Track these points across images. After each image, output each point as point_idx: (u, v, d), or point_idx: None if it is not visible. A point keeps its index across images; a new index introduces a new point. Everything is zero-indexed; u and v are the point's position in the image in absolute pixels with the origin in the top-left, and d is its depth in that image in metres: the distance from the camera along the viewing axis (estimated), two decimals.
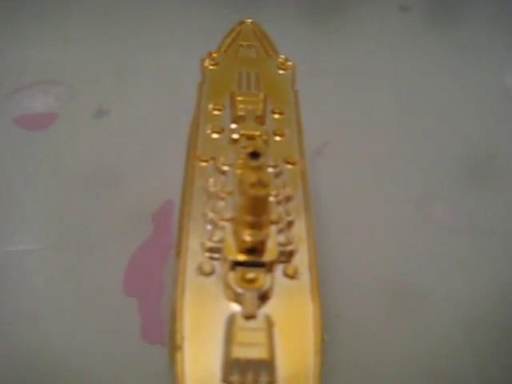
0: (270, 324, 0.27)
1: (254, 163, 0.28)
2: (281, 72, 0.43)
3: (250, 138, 0.36)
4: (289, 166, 0.35)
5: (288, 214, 0.32)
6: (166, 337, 0.43)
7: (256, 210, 0.28)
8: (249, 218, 0.28)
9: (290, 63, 0.43)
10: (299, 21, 0.68)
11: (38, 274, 0.47)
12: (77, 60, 0.62)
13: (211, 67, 0.42)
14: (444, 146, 0.57)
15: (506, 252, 0.50)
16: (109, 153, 0.54)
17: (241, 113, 0.38)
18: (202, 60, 0.43)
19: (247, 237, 0.29)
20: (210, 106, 0.39)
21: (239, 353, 0.26)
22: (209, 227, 0.31)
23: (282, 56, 0.44)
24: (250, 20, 0.47)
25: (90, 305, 0.45)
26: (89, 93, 0.59)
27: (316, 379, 0.26)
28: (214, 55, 0.43)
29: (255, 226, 0.29)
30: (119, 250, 0.47)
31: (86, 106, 0.58)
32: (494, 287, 0.47)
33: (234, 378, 0.26)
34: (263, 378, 0.26)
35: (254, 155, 0.28)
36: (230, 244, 0.29)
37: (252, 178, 0.27)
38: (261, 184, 0.27)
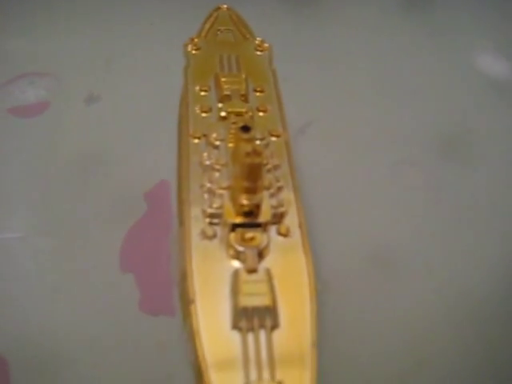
0: (269, 276, 0.31)
1: (246, 136, 0.31)
2: (258, 53, 0.46)
3: (238, 114, 0.39)
4: (274, 139, 0.38)
5: (277, 181, 0.35)
6: (163, 308, 0.46)
7: (251, 177, 0.31)
8: (245, 184, 0.32)
9: (266, 45, 0.46)
10: (280, 6, 0.70)
11: (31, 259, 0.49)
12: (66, 50, 0.63)
13: (194, 52, 0.45)
14: (420, 122, 0.59)
15: (478, 222, 0.53)
16: (100, 137, 0.56)
17: (226, 92, 0.41)
18: (185, 45, 0.46)
19: (244, 201, 0.32)
20: (197, 88, 0.42)
21: (246, 302, 0.29)
22: (207, 196, 0.34)
23: (259, 38, 0.47)
24: (225, 6, 0.50)
25: (87, 284, 0.47)
26: (79, 81, 0.60)
27: (313, 321, 0.30)
28: (196, 40, 0.46)
29: (251, 191, 0.32)
30: (114, 230, 0.49)
31: (77, 93, 0.59)
32: (467, 256, 0.50)
33: (243, 324, 0.29)
34: (268, 323, 0.29)
35: (245, 129, 0.32)
36: (229, 209, 0.33)
37: (247, 148, 0.30)
38: (255, 153, 0.31)
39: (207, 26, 0.48)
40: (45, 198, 0.52)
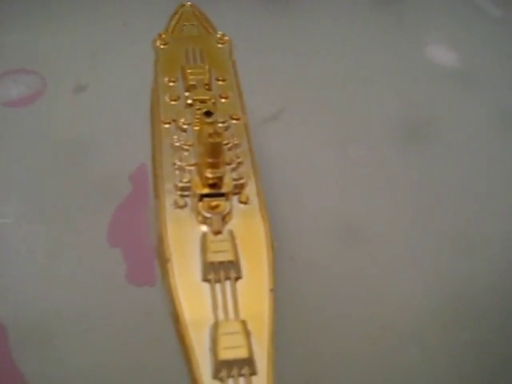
0: (232, 236, 0.36)
1: (208, 120, 0.36)
2: (220, 46, 0.49)
3: (202, 101, 0.44)
4: (234, 121, 0.43)
5: (237, 157, 0.40)
6: (148, 279, 0.50)
7: (214, 154, 0.36)
8: (209, 161, 0.36)
9: (226, 38, 0.50)
10: (258, 2, 0.73)
11: (23, 239, 0.52)
12: (53, 44, 0.67)
13: (162, 46, 0.49)
14: (387, 110, 0.63)
15: (436, 198, 0.57)
16: (87, 124, 0.59)
17: (192, 82, 0.45)
18: (154, 41, 0.50)
19: (209, 174, 0.37)
20: (166, 79, 0.46)
21: (213, 258, 0.34)
22: (178, 172, 0.39)
23: (220, 32, 0.51)
24: (189, 3, 0.53)
25: (77, 258, 0.51)
26: (67, 72, 0.64)
27: (270, 272, 0.35)
28: (163, 36, 0.50)
29: (214, 166, 0.37)
30: (102, 210, 0.53)
31: (66, 83, 0.63)
32: (425, 227, 0.55)
33: (211, 276, 0.34)
34: (232, 275, 0.34)
35: (208, 114, 0.37)
36: (197, 182, 0.38)
37: (209, 130, 0.35)
38: (216, 134, 0.36)
39: (173, 22, 0.52)
40: (34, 183, 0.55)
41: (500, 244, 0.54)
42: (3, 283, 0.49)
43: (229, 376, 0.31)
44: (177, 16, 0.52)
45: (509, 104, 0.65)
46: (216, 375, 0.31)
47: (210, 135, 0.35)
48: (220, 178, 0.37)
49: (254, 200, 0.38)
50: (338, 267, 0.51)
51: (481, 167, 0.59)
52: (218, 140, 0.35)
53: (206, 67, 0.46)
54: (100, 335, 0.47)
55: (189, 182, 0.38)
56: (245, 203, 0.38)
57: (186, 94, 0.44)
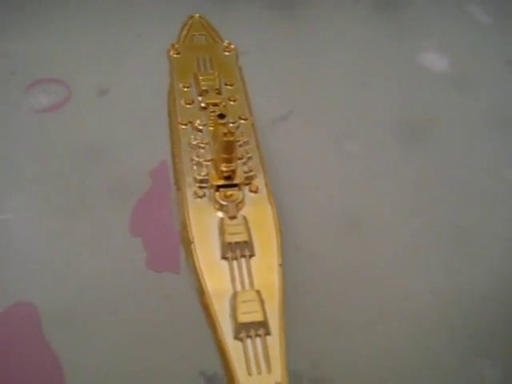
0: (246, 221, 0.41)
1: (222, 121, 0.42)
2: (226, 53, 0.54)
3: (214, 105, 0.49)
4: (243, 121, 0.48)
5: (247, 153, 0.45)
6: (166, 265, 0.54)
7: (228, 150, 0.42)
8: (223, 156, 0.42)
9: (232, 46, 0.55)
10: (267, 12, 0.78)
11: (51, 233, 0.57)
12: (75, 52, 0.71)
13: (175, 56, 0.54)
14: (387, 111, 0.67)
15: (433, 191, 0.61)
16: (108, 125, 0.64)
17: (204, 88, 0.50)
18: (168, 51, 0.54)
19: (224, 168, 0.42)
20: (181, 85, 0.51)
21: (230, 239, 0.40)
22: (195, 167, 0.44)
23: (226, 41, 0.55)
24: (197, 14, 0.58)
25: (101, 247, 0.56)
26: (91, 77, 0.68)
27: (279, 250, 0.40)
28: (176, 46, 0.55)
29: (228, 161, 0.42)
30: (124, 202, 0.58)
31: (89, 88, 0.67)
32: (423, 216, 0.59)
33: (229, 254, 0.40)
34: (247, 253, 0.40)
35: (221, 116, 0.43)
36: (214, 175, 0.43)
37: (224, 130, 0.41)
38: (229, 133, 0.41)
39: (184, 32, 0.56)
40: (63, 179, 0.60)
41: (495, 234, 0.58)
42: (35, 269, 0.54)
43: (247, 336, 0.36)
44: (187, 27, 0.57)
45: (498, 105, 0.69)
46: (236, 336, 0.36)
47: (225, 134, 0.41)
48: (233, 171, 0.43)
49: (263, 189, 0.43)
50: (340, 256, 0.55)
51: (473, 163, 0.63)
52: (231, 138, 0.41)
53: (216, 73, 0.51)
54: (122, 315, 0.52)
55: (206, 175, 0.43)
56: (255, 192, 0.43)
57: (199, 98, 0.49)
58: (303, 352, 0.49)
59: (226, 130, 0.41)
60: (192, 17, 0.58)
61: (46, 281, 0.54)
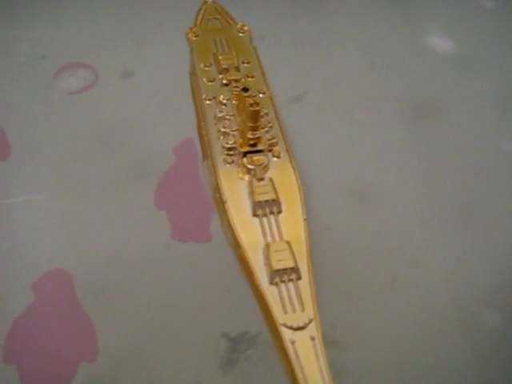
0: (272, 181, 0.45)
1: (246, 94, 0.47)
2: (241, 35, 0.58)
3: (236, 81, 0.53)
4: (261, 95, 0.52)
5: (268, 122, 0.49)
6: (190, 236, 0.58)
7: (254, 119, 0.46)
8: (250, 125, 0.46)
9: (246, 28, 0.59)
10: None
11: (84, 207, 0.60)
12: (100, 37, 0.75)
13: (194, 38, 0.58)
14: (396, 91, 0.71)
15: (439, 165, 0.64)
16: (133, 106, 0.67)
17: (224, 66, 0.54)
18: (187, 34, 0.58)
19: (250, 136, 0.46)
20: (202, 65, 0.55)
21: (259, 198, 0.44)
22: (222, 137, 0.49)
23: (240, 23, 0.59)
24: (210, 0, 0.62)
25: (128, 222, 0.59)
26: (115, 61, 0.72)
27: (303, 206, 0.44)
28: (194, 29, 0.58)
29: (254, 129, 0.46)
30: (149, 178, 0.61)
31: (115, 71, 0.71)
32: (429, 188, 0.62)
33: (259, 212, 0.44)
34: (275, 210, 0.44)
35: (245, 89, 0.48)
36: (241, 143, 0.47)
37: (250, 101, 0.45)
38: (256, 103, 0.45)
39: (200, 16, 0.60)
40: (91, 157, 0.64)
41: (496, 208, 0.61)
42: (70, 240, 0.58)
43: (281, 281, 0.40)
44: (202, 12, 0.61)
45: (501, 85, 0.72)
46: (271, 282, 0.40)
47: (251, 105, 0.45)
48: (258, 139, 0.47)
49: (285, 155, 0.47)
50: (350, 224, 0.59)
51: (476, 139, 0.66)
52: (257, 108, 0.45)
53: (234, 53, 0.55)
54: (149, 282, 0.55)
55: (234, 143, 0.47)
56: (277, 157, 0.47)
57: (220, 76, 0.53)
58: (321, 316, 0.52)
59: (252, 101, 0.45)
60: (206, 2, 0.61)
61: (78, 251, 0.57)
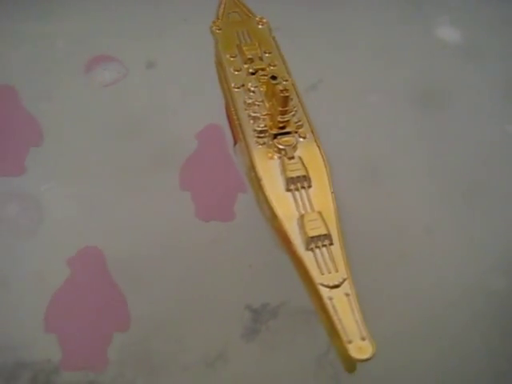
0: (301, 160, 0.49)
1: (275, 82, 0.50)
2: (260, 27, 0.61)
3: (262, 69, 0.56)
4: (285, 82, 0.54)
5: (294, 107, 0.52)
6: (213, 215, 0.62)
7: (284, 103, 0.49)
8: (280, 109, 0.50)
9: (264, 20, 0.62)
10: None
11: (113, 190, 0.63)
12: (125, 29, 0.78)
13: (217, 31, 0.61)
14: (406, 78, 0.74)
15: (446, 146, 0.68)
16: (158, 94, 0.71)
17: (249, 56, 0.57)
18: (211, 27, 0.61)
19: (280, 119, 0.50)
20: (228, 56, 0.58)
21: (291, 174, 0.48)
22: (252, 121, 0.52)
23: (259, 16, 0.62)
24: None
25: (155, 203, 0.62)
26: (139, 52, 0.75)
27: (329, 181, 0.48)
28: (217, 23, 0.61)
29: (284, 113, 0.50)
30: (173, 161, 0.65)
31: (139, 61, 0.74)
32: (436, 164, 0.66)
33: (292, 187, 0.48)
34: (305, 184, 0.48)
35: (273, 77, 0.51)
36: (271, 125, 0.51)
37: (280, 87, 0.49)
38: (285, 90, 0.49)
39: (221, 10, 0.63)
40: (120, 143, 0.67)
41: (501, 185, 0.65)
42: (102, 220, 0.62)
43: (316, 247, 0.44)
44: (222, 6, 0.64)
45: (505, 72, 0.76)
46: (307, 247, 0.44)
47: (281, 91, 0.49)
48: (287, 121, 0.51)
49: (310, 136, 0.51)
50: (362, 199, 0.63)
51: (483, 124, 0.70)
52: (287, 94, 0.49)
53: (256, 44, 0.58)
54: (177, 258, 0.59)
55: (264, 126, 0.51)
56: (304, 138, 0.51)
57: (245, 65, 0.56)
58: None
59: (282, 88, 0.49)
60: None
61: (109, 230, 0.61)
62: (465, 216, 0.62)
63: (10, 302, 0.57)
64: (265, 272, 0.58)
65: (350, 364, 0.41)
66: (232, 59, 0.57)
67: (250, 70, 0.56)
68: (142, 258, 0.59)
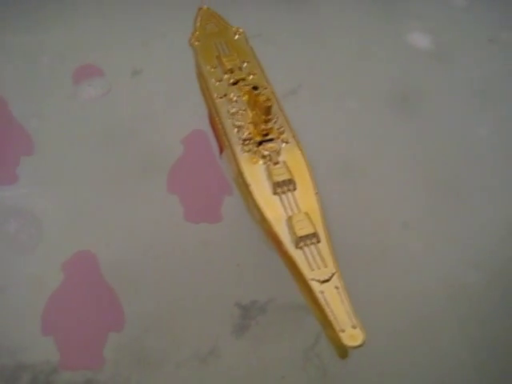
0: (285, 164, 0.52)
1: (256, 92, 0.53)
2: (237, 37, 0.63)
3: (242, 80, 0.58)
4: (265, 90, 0.57)
5: (275, 114, 0.55)
6: (203, 217, 0.64)
7: (267, 112, 0.53)
8: (264, 118, 0.53)
9: (241, 30, 0.64)
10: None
11: (103, 196, 0.65)
12: (110, 37, 0.80)
13: (196, 43, 0.63)
14: (381, 83, 0.77)
15: (420, 147, 0.71)
16: (143, 102, 0.73)
17: (229, 67, 0.59)
18: (189, 40, 0.63)
19: (263, 127, 0.53)
20: (208, 67, 0.60)
21: (277, 179, 0.50)
22: (237, 130, 0.55)
23: (235, 26, 0.64)
24: (205, 6, 0.66)
25: (144, 206, 0.64)
26: (124, 59, 0.77)
27: (313, 182, 0.51)
28: (195, 35, 0.63)
29: (267, 121, 0.53)
30: (160, 166, 0.67)
31: (124, 69, 0.76)
32: (407, 164, 0.69)
33: (278, 190, 0.51)
34: (291, 188, 0.51)
35: (255, 88, 0.54)
36: (255, 134, 0.54)
37: (263, 97, 0.52)
38: (268, 100, 0.52)
39: (198, 23, 0.65)
40: (108, 150, 0.69)
41: (472, 183, 0.68)
42: (93, 225, 0.64)
43: (305, 245, 0.47)
44: (199, 18, 0.65)
45: (474, 76, 0.79)
46: (297, 246, 0.47)
47: (265, 101, 0.52)
48: (270, 129, 0.53)
49: (292, 140, 0.54)
50: (343, 198, 0.66)
51: (456, 126, 0.73)
52: (269, 104, 0.52)
53: (235, 54, 0.60)
54: (167, 259, 0.61)
55: (249, 134, 0.54)
56: (286, 143, 0.54)
57: (226, 75, 0.59)
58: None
59: (265, 98, 0.52)
60: (200, 8, 0.66)
61: (101, 234, 0.63)
62: (439, 212, 0.65)
63: (7, 308, 0.58)
64: (252, 270, 0.61)
65: (343, 351, 0.45)
66: (213, 70, 0.59)
67: (231, 80, 0.58)
68: (134, 260, 0.61)
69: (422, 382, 0.57)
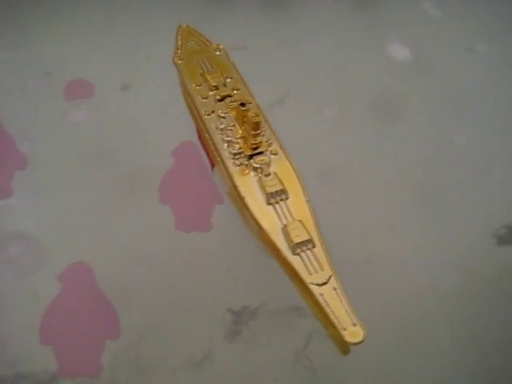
0: (276, 175, 0.54)
1: (244, 108, 0.54)
2: (218, 53, 0.64)
3: (228, 96, 0.59)
4: (250, 104, 0.58)
5: (262, 127, 0.56)
6: (193, 226, 0.66)
7: (256, 128, 0.54)
8: (253, 132, 0.54)
9: (221, 46, 0.65)
10: (261, 11, 0.87)
11: (97, 205, 0.67)
12: (100, 54, 0.81)
13: (180, 62, 0.64)
14: (363, 92, 0.79)
15: (399, 152, 0.73)
16: (133, 115, 0.74)
17: (214, 84, 0.60)
18: (173, 59, 0.64)
19: (253, 141, 0.55)
20: (193, 85, 0.61)
21: (270, 190, 0.52)
22: (227, 145, 0.56)
23: (215, 43, 0.65)
24: (184, 24, 0.68)
25: (137, 217, 0.66)
26: (114, 74, 0.78)
27: (304, 191, 0.53)
28: (178, 53, 0.64)
29: (256, 136, 0.55)
30: (152, 177, 0.68)
31: (114, 83, 0.77)
32: (391, 168, 0.71)
33: (272, 201, 0.52)
34: (283, 197, 0.52)
35: (243, 104, 0.55)
36: (245, 148, 0.55)
37: (252, 114, 0.54)
38: (257, 116, 0.54)
39: (179, 41, 0.66)
40: (101, 160, 0.70)
41: (449, 188, 0.71)
42: (87, 237, 0.65)
43: (301, 251, 0.49)
44: (179, 36, 0.66)
45: (451, 86, 0.82)
46: (294, 252, 0.49)
47: (253, 117, 0.53)
48: (260, 142, 0.55)
49: (280, 152, 0.56)
50: (330, 204, 0.67)
51: (433, 134, 0.76)
52: (258, 119, 0.54)
53: (219, 71, 0.62)
54: (161, 268, 0.63)
55: (239, 149, 0.55)
56: (275, 154, 0.55)
57: (211, 93, 0.60)
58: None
59: (254, 114, 0.53)
60: (180, 26, 0.67)
61: (95, 246, 0.64)
62: (421, 216, 0.68)
63: (6, 320, 0.60)
64: (243, 276, 0.63)
65: (345, 347, 0.48)
66: (198, 88, 0.61)
67: (217, 97, 0.59)
68: (129, 270, 0.63)
69: (409, 383, 0.59)
